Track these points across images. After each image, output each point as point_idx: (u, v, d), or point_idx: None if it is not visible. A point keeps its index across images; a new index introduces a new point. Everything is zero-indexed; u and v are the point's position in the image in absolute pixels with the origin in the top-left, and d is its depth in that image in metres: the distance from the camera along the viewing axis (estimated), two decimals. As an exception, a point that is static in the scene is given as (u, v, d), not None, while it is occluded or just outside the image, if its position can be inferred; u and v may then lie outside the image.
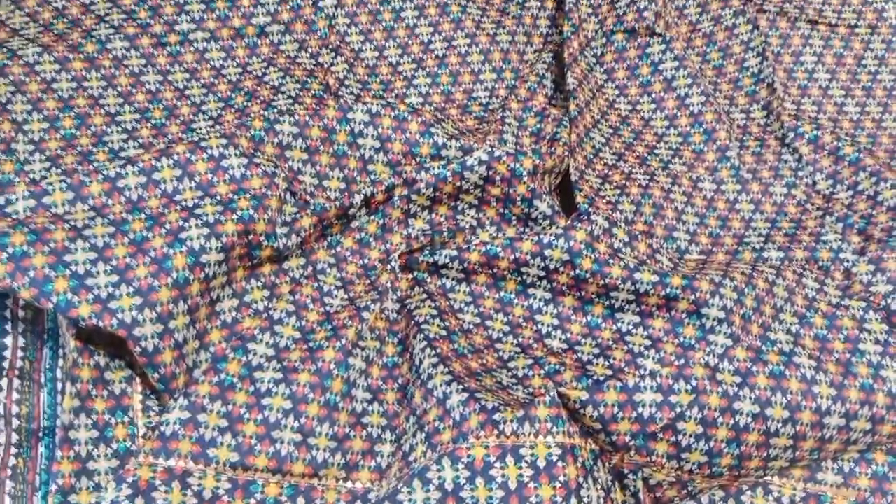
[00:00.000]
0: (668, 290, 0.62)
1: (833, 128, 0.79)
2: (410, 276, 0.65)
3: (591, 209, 0.67)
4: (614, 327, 0.63)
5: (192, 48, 0.74)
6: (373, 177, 0.68)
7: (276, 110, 0.70)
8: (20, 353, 0.60)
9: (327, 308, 0.63)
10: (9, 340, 0.60)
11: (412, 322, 0.61)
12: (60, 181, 0.60)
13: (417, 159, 0.68)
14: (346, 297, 0.64)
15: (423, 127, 0.68)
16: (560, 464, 0.53)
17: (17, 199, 0.59)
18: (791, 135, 0.77)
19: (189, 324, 0.57)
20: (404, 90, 0.78)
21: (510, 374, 0.61)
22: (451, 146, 0.68)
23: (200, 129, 0.70)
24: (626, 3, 0.81)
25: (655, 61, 0.81)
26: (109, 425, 0.56)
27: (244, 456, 0.55)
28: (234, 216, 0.59)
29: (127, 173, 0.61)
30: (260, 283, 0.62)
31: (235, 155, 0.63)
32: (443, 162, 0.68)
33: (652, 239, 0.70)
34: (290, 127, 0.67)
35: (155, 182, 0.61)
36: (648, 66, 0.80)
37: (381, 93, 0.76)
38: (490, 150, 0.67)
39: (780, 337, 0.61)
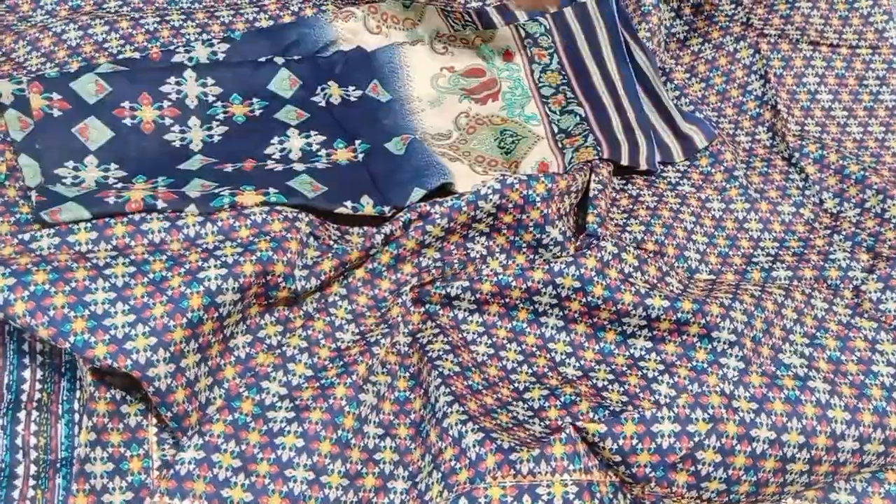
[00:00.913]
0: (679, 315, 0.62)
1: (837, 147, 0.79)
2: (422, 310, 0.65)
3: (600, 230, 0.67)
4: (627, 353, 0.64)
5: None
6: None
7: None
8: (38, 386, 0.61)
9: (338, 344, 0.63)
10: (27, 374, 0.61)
11: (425, 358, 0.61)
12: (85, 221, 0.61)
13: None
14: (356, 331, 0.64)
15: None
16: (577, 502, 0.53)
17: (42, 236, 0.60)
18: (797, 154, 0.77)
19: (199, 361, 0.57)
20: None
21: (526, 405, 0.61)
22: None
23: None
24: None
25: (662, 83, 0.82)
26: (125, 458, 0.56)
27: (258, 496, 0.55)
28: (253, 257, 0.59)
29: (151, 218, 0.62)
30: (273, 319, 0.62)
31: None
32: (457, 195, 0.68)
33: (663, 259, 0.70)
34: None
35: (178, 227, 0.61)
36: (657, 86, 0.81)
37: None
38: (502, 178, 0.67)
39: (795, 361, 0.62)
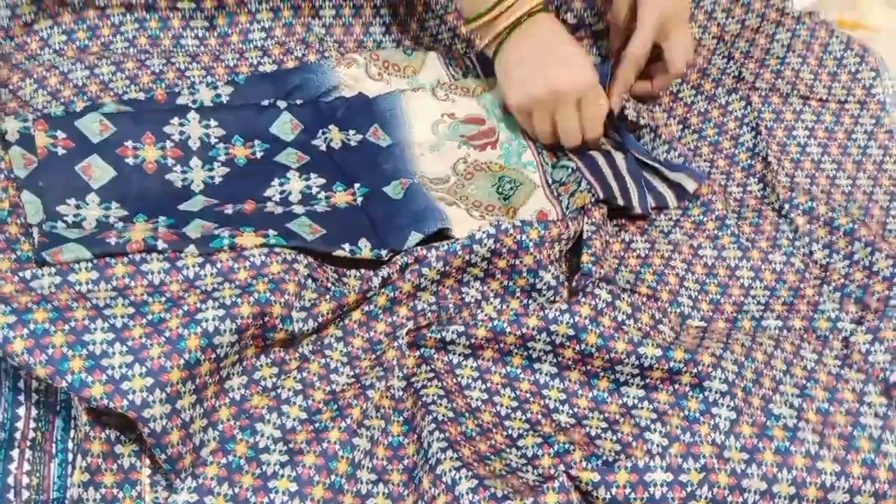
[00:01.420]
0: (672, 364, 0.63)
1: (826, 199, 0.81)
2: (417, 354, 0.65)
3: (594, 268, 0.68)
4: (620, 401, 0.64)
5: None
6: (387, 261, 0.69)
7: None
8: (32, 424, 0.60)
9: (333, 387, 0.63)
10: (21, 411, 0.60)
11: (419, 403, 0.62)
12: (86, 261, 0.61)
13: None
14: (351, 373, 0.64)
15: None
16: None
17: (43, 275, 0.60)
18: (787, 206, 0.79)
19: (195, 403, 0.57)
20: None
21: (519, 452, 0.61)
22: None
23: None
24: None
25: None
26: (117, 499, 0.56)
27: None
28: (251, 299, 0.59)
29: (151, 258, 0.62)
30: (269, 360, 0.63)
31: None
32: (453, 239, 0.69)
33: (657, 303, 0.71)
34: None
35: (178, 268, 0.62)
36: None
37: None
38: (497, 223, 0.68)
39: (784, 411, 0.62)
